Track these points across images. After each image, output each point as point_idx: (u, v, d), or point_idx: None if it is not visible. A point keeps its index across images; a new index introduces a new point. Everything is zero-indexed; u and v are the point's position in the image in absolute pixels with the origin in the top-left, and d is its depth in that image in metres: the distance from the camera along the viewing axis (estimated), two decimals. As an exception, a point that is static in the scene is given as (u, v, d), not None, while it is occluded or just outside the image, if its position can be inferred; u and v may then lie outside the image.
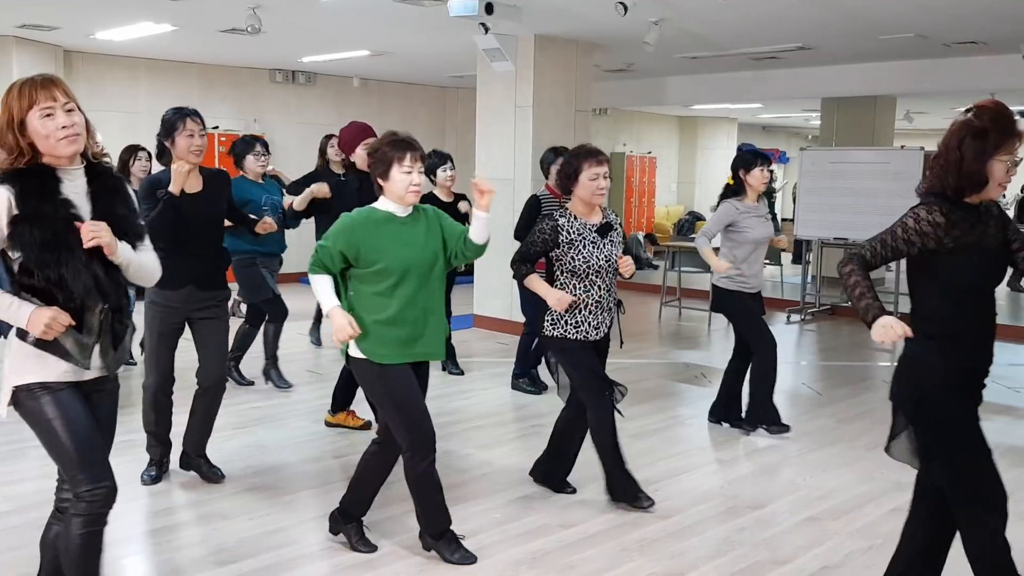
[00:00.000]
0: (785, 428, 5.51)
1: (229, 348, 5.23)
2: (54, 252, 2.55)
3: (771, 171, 5.57)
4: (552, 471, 4.56)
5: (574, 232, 4.11)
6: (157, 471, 4.56)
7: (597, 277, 4.15)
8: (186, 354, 4.50)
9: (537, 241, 4.15)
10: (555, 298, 4.07)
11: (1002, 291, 10.03)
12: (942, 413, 2.78)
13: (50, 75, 2.68)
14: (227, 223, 4.70)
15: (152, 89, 11.42)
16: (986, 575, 2.84)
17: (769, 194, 5.55)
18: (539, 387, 6.61)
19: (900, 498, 4.51)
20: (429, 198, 6.35)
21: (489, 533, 4.01)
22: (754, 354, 5.48)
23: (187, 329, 4.47)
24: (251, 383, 6.59)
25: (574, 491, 4.53)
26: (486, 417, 5.98)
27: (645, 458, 4.87)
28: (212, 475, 4.58)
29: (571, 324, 4.15)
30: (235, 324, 5.83)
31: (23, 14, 8.50)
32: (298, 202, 5.29)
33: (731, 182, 5.51)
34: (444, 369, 7.10)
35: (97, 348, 2.68)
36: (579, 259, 4.09)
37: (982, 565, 2.84)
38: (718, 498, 4.54)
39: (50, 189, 2.59)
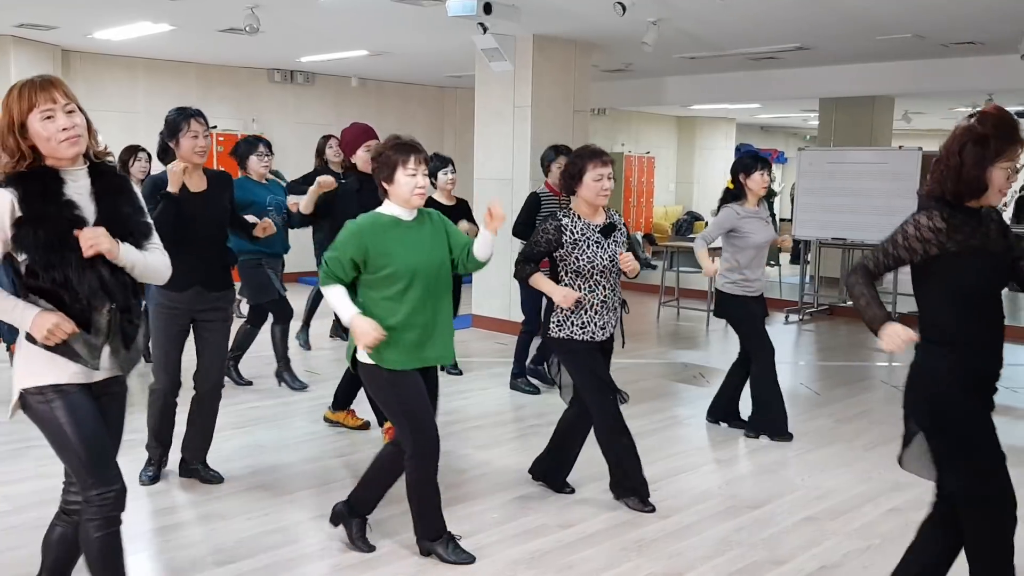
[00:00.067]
0: (788, 437, 5.51)
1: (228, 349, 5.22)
2: (58, 253, 2.54)
3: (771, 174, 5.58)
4: (552, 470, 4.56)
5: (578, 232, 4.12)
6: (156, 471, 4.56)
7: (602, 277, 4.16)
8: (184, 355, 4.49)
9: (541, 241, 4.15)
10: (561, 295, 4.07)
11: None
12: (954, 418, 2.78)
13: (49, 76, 2.67)
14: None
15: (150, 89, 11.41)
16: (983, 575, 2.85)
17: (769, 197, 5.55)
18: (544, 382, 6.56)
19: (898, 498, 4.53)
20: (429, 202, 6.35)
21: (487, 533, 4.02)
22: (753, 361, 5.49)
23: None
24: (249, 383, 6.58)
25: (573, 491, 4.53)
26: (484, 417, 5.99)
27: (644, 458, 4.85)
28: (211, 478, 4.58)
29: (577, 325, 4.16)
30: (236, 324, 5.82)
31: (21, 13, 8.50)
32: (304, 204, 5.18)
33: (731, 186, 5.52)
34: (442, 369, 7.10)
35: (107, 349, 2.67)
36: (583, 259, 4.10)
37: (981, 565, 2.84)
38: (716, 498, 4.54)
39: (53, 191, 2.58)
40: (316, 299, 7.64)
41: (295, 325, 7.05)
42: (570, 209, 4.22)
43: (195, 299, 4.31)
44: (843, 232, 10.02)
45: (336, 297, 3.52)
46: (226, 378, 5.29)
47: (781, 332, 9.44)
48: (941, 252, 2.72)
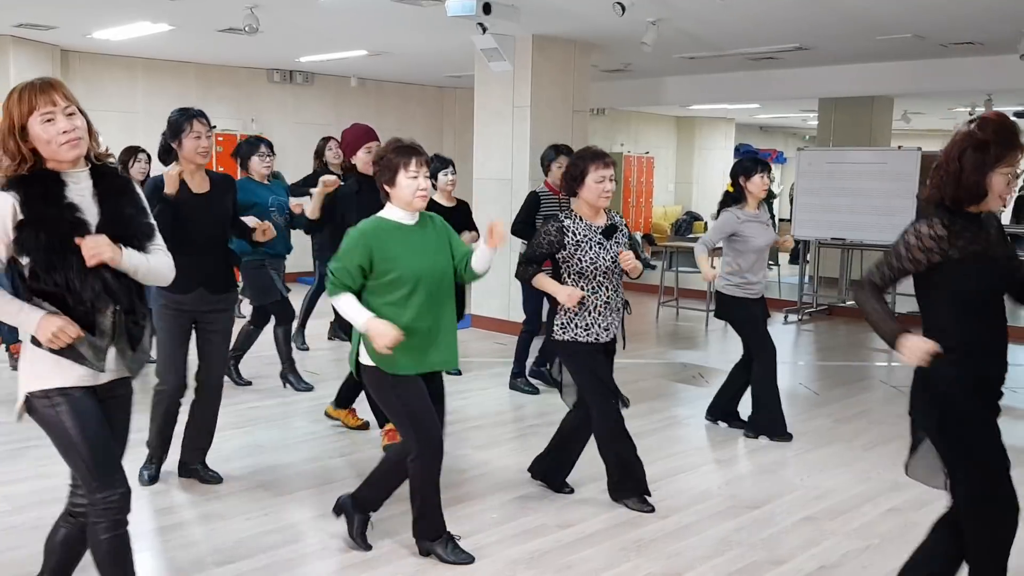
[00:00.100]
0: (788, 437, 5.51)
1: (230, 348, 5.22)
2: (60, 255, 2.54)
3: (771, 176, 5.58)
4: (552, 470, 4.56)
5: (580, 234, 4.12)
6: (156, 470, 4.55)
7: (604, 279, 4.16)
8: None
9: (543, 243, 4.15)
10: (565, 294, 4.07)
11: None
12: (958, 422, 2.77)
13: (49, 79, 2.64)
14: None
15: (149, 89, 11.41)
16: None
17: (768, 199, 5.56)
18: (547, 384, 6.55)
19: (897, 498, 4.54)
20: (430, 204, 6.32)
21: (487, 533, 4.02)
22: (755, 362, 5.50)
23: None
24: (248, 383, 6.58)
25: (572, 491, 4.53)
26: (484, 417, 5.99)
27: (643, 458, 4.85)
28: (209, 479, 4.58)
29: (581, 327, 4.16)
30: (236, 324, 5.81)
31: (20, 13, 8.50)
32: (311, 209, 5.07)
33: (731, 189, 5.52)
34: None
35: (112, 351, 2.67)
36: (586, 260, 4.10)
37: (979, 565, 2.85)
38: (716, 498, 4.55)
39: (54, 193, 2.58)
40: (312, 300, 7.63)
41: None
42: (571, 211, 4.22)
43: (199, 300, 4.30)
44: (842, 232, 10.03)
45: (347, 305, 3.50)
46: (225, 378, 5.28)
47: (780, 332, 9.44)
48: (944, 259, 2.71)
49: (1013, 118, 2.79)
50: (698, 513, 4.32)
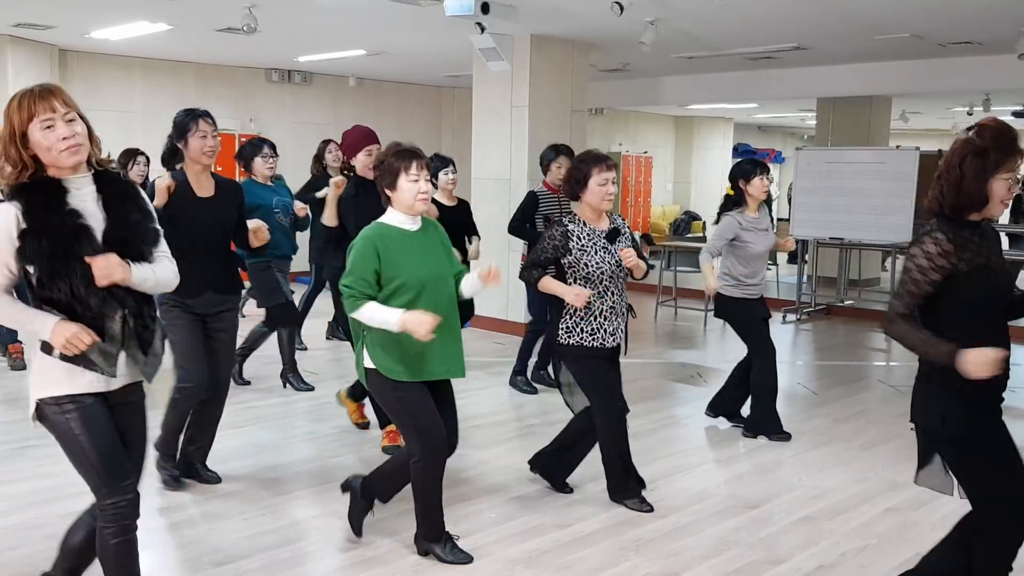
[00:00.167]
0: (786, 436, 5.52)
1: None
2: (64, 262, 2.54)
3: (770, 178, 5.59)
4: (553, 467, 4.55)
5: (585, 238, 4.13)
6: (174, 469, 4.50)
7: (610, 283, 4.17)
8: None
9: (548, 247, 4.15)
10: (573, 293, 4.07)
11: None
12: (964, 430, 2.77)
13: (49, 85, 2.64)
14: None
15: (148, 89, 11.41)
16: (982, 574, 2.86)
17: (767, 201, 5.56)
18: (548, 386, 6.55)
19: (895, 498, 4.54)
20: (431, 202, 6.32)
21: (485, 533, 4.02)
22: (754, 361, 5.51)
23: None
24: (247, 383, 6.58)
25: (571, 491, 4.53)
26: (483, 417, 5.99)
27: (642, 458, 4.86)
28: (209, 479, 4.57)
29: (587, 331, 4.16)
30: (244, 324, 5.78)
31: (18, 13, 8.49)
32: (328, 216, 4.89)
33: (731, 192, 5.52)
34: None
35: (123, 355, 2.67)
36: (592, 265, 4.10)
37: (981, 565, 2.85)
38: (714, 497, 4.55)
39: (56, 201, 2.58)
40: (310, 300, 7.63)
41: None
42: (574, 214, 4.22)
43: (207, 303, 4.30)
44: (841, 232, 10.04)
45: (374, 311, 3.43)
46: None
47: (779, 332, 9.43)
48: (953, 272, 2.72)
49: (1011, 118, 2.79)
50: (697, 513, 4.32)
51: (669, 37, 8.47)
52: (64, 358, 2.60)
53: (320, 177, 7.50)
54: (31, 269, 2.56)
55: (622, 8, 6.95)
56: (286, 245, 6.15)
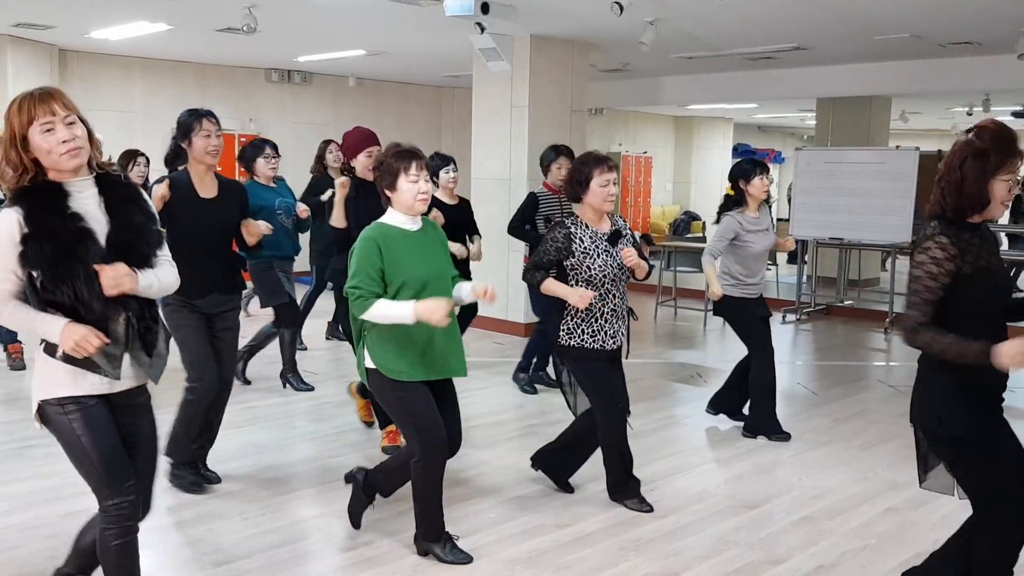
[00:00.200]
0: (786, 436, 5.52)
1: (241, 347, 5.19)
2: (66, 266, 2.54)
3: (770, 178, 5.59)
4: (558, 466, 4.54)
5: (587, 240, 4.13)
6: (195, 471, 4.50)
7: (612, 285, 4.17)
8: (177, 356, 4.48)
9: (550, 250, 4.15)
10: (576, 295, 4.07)
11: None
12: (962, 430, 2.78)
13: (49, 88, 2.64)
14: None
15: (148, 88, 11.41)
16: None
17: (767, 202, 5.58)
18: (548, 387, 6.55)
19: (895, 498, 4.54)
20: (432, 201, 6.31)
21: (485, 533, 4.02)
22: (752, 361, 5.52)
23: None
24: (248, 382, 6.58)
25: (573, 491, 4.53)
26: (483, 417, 5.99)
27: (641, 458, 4.86)
28: (209, 479, 4.56)
29: (588, 333, 4.16)
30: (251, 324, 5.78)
31: (18, 13, 8.49)
32: (336, 218, 4.85)
33: (731, 192, 5.52)
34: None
35: (127, 357, 2.68)
36: (595, 267, 4.11)
37: (982, 567, 2.86)
38: (714, 497, 4.55)
39: (57, 204, 2.58)
40: (311, 300, 7.63)
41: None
42: (576, 217, 4.22)
43: (212, 303, 4.32)
44: (840, 232, 10.04)
45: (385, 307, 3.42)
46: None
47: (778, 332, 9.41)
48: (956, 275, 2.72)
49: (1011, 119, 2.80)
50: (696, 513, 4.32)
51: (669, 37, 8.47)
52: (68, 360, 2.60)
53: (320, 178, 7.50)
54: (34, 273, 2.56)
55: (622, 8, 6.95)
56: (288, 246, 6.14)
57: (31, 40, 9.79)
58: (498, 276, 8.76)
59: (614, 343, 4.22)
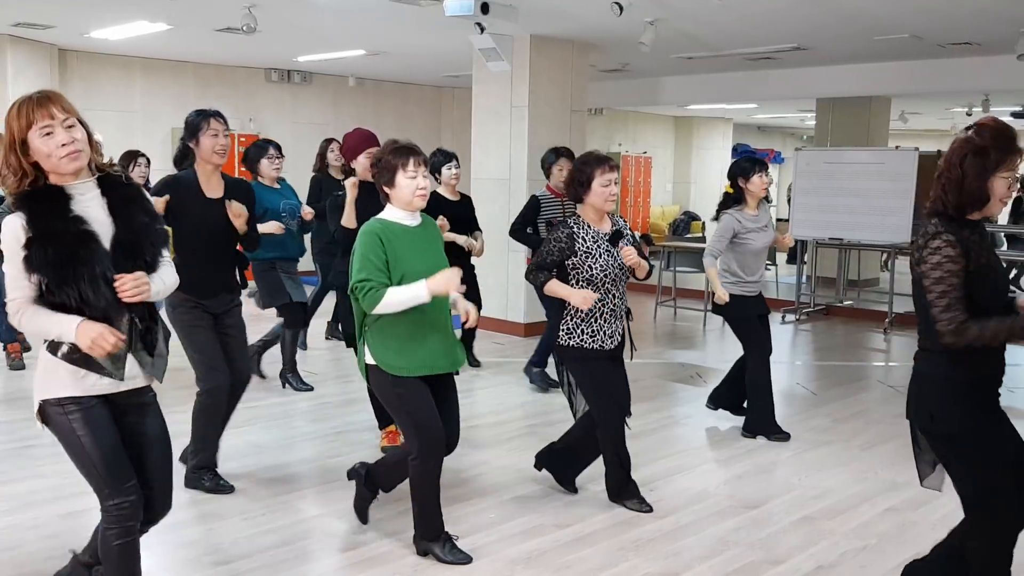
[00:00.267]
0: (786, 436, 5.52)
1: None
2: (70, 269, 2.54)
3: (769, 176, 5.59)
4: (562, 466, 4.52)
5: (589, 240, 4.13)
6: (215, 475, 4.49)
7: (613, 285, 4.17)
8: (179, 358, 4.47)
9: (553, 250, 4.15)
10: (580, 297, 4.07)
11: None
12: (954, 427, 2.79)
13: (47, 92, 2.64)
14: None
15: (147, 88, 11.40)
16: None
17: (766, 200, 5.60)
18: (548, 384, 6.56)
19: (895, 498, 4.54)
20: (434, 197, 6.33)
21: (485, 533, 4.02)
22: (747, 360, 5.52)
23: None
24: (264, 376, 6.57)
25: (576, 491, 4.52)
26: (483, 417, 5.99)
27: (641, 458, 4.87)
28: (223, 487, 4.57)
29: (587, 333, 4.16)
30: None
31: (18, 12, 8.49)
32: (347, 218, 4.76)
33: (730, 190, 5.52)
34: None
35: (131, 358, 2.68)
36: (596, 267, 4.11)
37: (983, 570, 2.86)
38: (714, 498, 4.55)
39: (59, 208, 2.58)
40: (316, 301, 7.63)
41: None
42: (578, 216, 4.23)
43: (219, 303, 4.34)
44: (840, 232, 10.04)
45: (396, 295, 3.42)
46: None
47: (778, 332, 9.43)
48: (965, 273, 2.72)
49: (1011, 119, 2.81)
50: (696, 513, 4.32)
51: (669, 37, 8.47)
52: (71, 360, 2.61)
53: (321, 177, 7.52)
54: (40, 277, 2.56)
55: (622, 8, 6.95)
56: (293, 247, 6.13)
57: (31, 40, 9.79)
58: (498, 276, 8.76)
59: (612, 342, 4.22)
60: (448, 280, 3.41)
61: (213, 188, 4.31)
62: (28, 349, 7.07)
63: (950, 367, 2.78)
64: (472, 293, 6.88)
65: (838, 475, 4.92)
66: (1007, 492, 2.79)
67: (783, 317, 10.21)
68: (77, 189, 2.64)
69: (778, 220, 15.78)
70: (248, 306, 7.33)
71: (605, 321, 4.18)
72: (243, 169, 6.30)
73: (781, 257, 12.68)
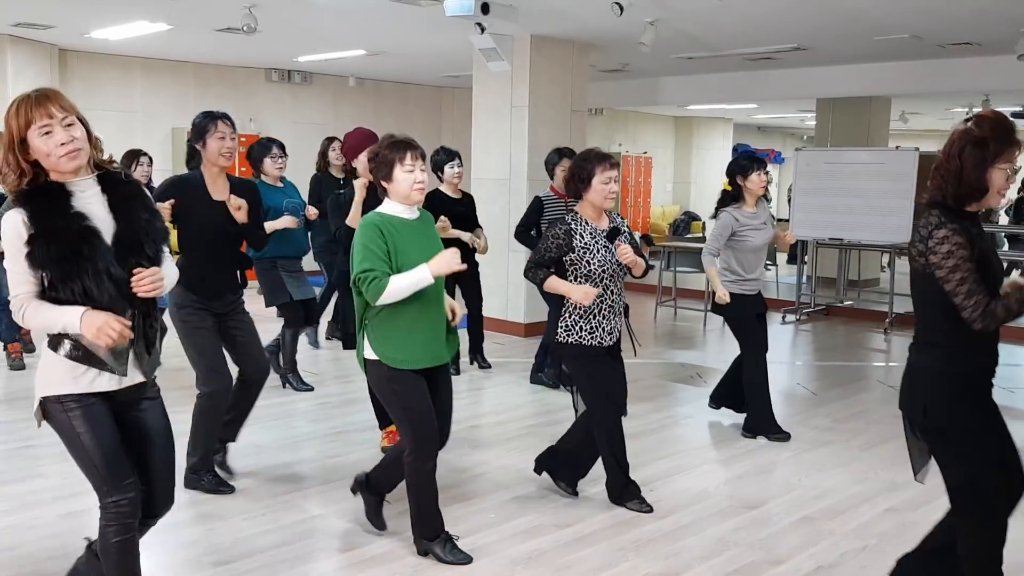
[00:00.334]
0: (786, 436, 5.52)
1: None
2: (73, 264, 2.55)
3: (768, 173, 5.59)
4: (564, 468, 4.50)
5: (587, 236, 4.14)
6: (215, 476, 4.48)
7: (610, 281, 4.17)
8: (179, 359, 4.47)
9: (552, 247, 4.15)
10: (581, 293, 4.07)
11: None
12: (944, 421, 2.80)
13: (46, 90, 2.64)
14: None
15: (148, 88, 11.40)
16: None
17: (765, 198, 5.61)
18: (559, 381, 6.56)
19: (895, 498, 4.54)
20: (437, 195, 6.35)
21: (485, 533, 4.02)
22: (744, 359, 5.53)
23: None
24: (283, 373, 6.58)
25: (576, 494, 4.51)
26: (483, 417, 5.99)
27: (641, 458, 4.87)
28: (226, 469, 4.61)
29: (585, 330, 4.16)
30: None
31: (18, 12, 8.49)
32: (353, 218, 4.81)
33: (728, 188, 5.52)
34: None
35: (132, 354, 2.69)
36: (594, 263, 4.11)
37: (972, 567, 2.86)
38: (714, 498, 4.55)
39: (60, 204, 2.59)
40: (325, 299, 7.63)
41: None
42: (576, 213, 4.23)
43: (224, 303, 4.34)
44: (840, 232, 10.03)
45: (400, 281, 3.43)
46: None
47: (778, 332, 9.45)
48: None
49: (1011, 119, 2.81)
50: (696, 513, 4.32)
51: (669, 38, 8.47)
52: (73, 358, 2.62)
53: (322, 176, 7.54)
54: (43, 273, 2.57)
55: (622, 9, 6.95)
56: (289, 246, 6.13)
57: (31, 40, 9.79)
58: (498, 276, 8.76)
59: (611, 339, 4.22)
60: (449, 260, 3.45)
61: (219, 190, 4.31)
62: (32, 351, 7.06)
63: (946, 362, 2.79)
64: (474, 291, 6.90)
65: (838, 475, 4.92)
66: (994, 486, 2.80)
67: (783, 317, 10.21)
68: (78, 186, 2.64)
69: (778, 220, 15.81)
70: (258, 304, 7.36)
71: (604, 317, 4.18)
72: (242, 169, 6.29)
73: (781, 257, 12.68)
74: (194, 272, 4.13)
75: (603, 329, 4.18)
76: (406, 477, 3.66)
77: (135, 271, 2.60)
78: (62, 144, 2.56)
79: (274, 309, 6.33)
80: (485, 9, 6.81)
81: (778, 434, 5.52)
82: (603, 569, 3.70)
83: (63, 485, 4.31)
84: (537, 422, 5.82)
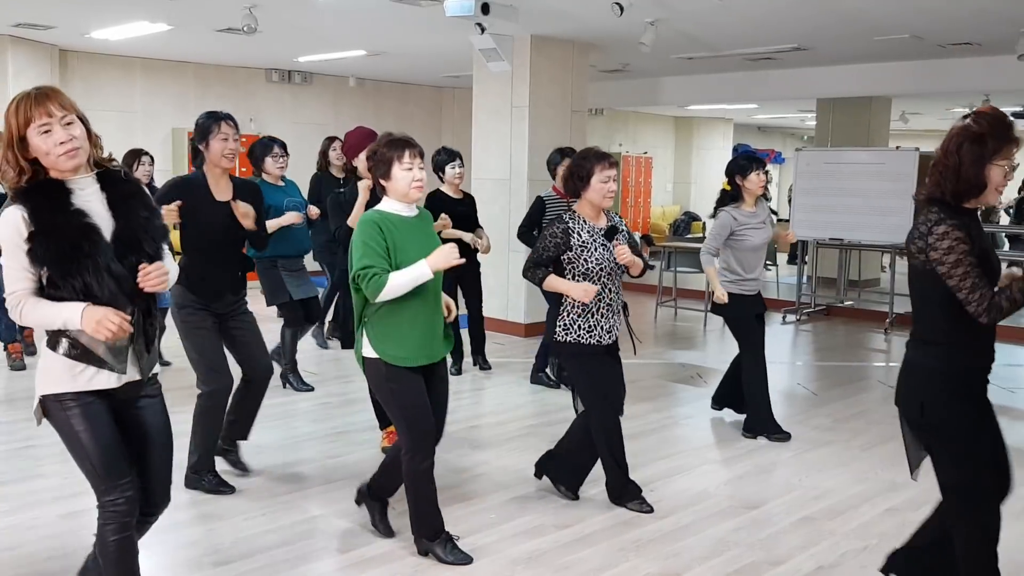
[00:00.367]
0: (786, 436, 5.52)
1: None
2: (74, 262, 2.55)
3: (767, 172, 5.59)
4: (565, 471, 4.50)
5: (585, 234, 4.14)
6: (215, 476, 4.48)
7: (608, 280, 4.17)
8: (178, 358, 4.48)
9: (549, 245, 4.15)
10: (581, 290, 4.06)
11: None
12: (941, 418, 2.80)
13: (46, 89, 2.64)
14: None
15: (148, 88, 11.40)
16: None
17: (764, 196, 5.61)
18: (560, 380, 6.55)
19: (895, 498, 4.54)
20: (438, 195, 6.35)
21: (485, 533, 4.02)
22: (743, 359, 5.53)
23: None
24: (291, 371, 6.58)
25: (577, 497, 4.50)
26: (483, 417, 5.99)
27: (641, 458, 4.87)
28: (238, 465, 4.65)
29: (584, 329, 4.16)
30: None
31: (18, 13, 8.49)
32: (354, 219, 4.77)
33: (727, 188, 5.52)
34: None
35: (131, 352, 2.69)
36: (592, 261, 4.11)
37: (970, 566, 2.86)
38: (714, 498, 4.55)
39: (60, 202, 2.59)
40: (327, 299, 7.63)
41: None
42: (574, 212, 4.23)
43: (225, 304, 4.34)
44: (840, 232, 10.04)
45: (399, 278, 3.42)
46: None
47: (778, 332, 9.45)
48: None
49: (1011, 119, 2.82)
50: (696, 513, 4.32)
51: (669, 38, 8.47)
52: (71, 356, 2.62)
53: (322, 176, 7.54)
54: (43, 270, 2.57)
55: (622, 9, 6.95)
56: (293, 245, 6.12)
57: (31, 40, 9.80)
58: (498, 276, 8.76)
59: (609, 337, 4.22)
60: (447, 255, 3.45)
61: (222, 191, 4.31)
62: (33, 353, 7.05)
63: (944, 359, 2.79)
64: (475, 290, 6.90)
65: (838, 475, 4.92)
66: (988, 485, 2.81)
67: (784, 317, 10.21)
68: (77, 184, 2.64)
69: (778, 220, 15.80)
70: (260, 304, 7.37)
71: (602, 316, 4.18)
72: (243, 169, 6.29)
73: (782, 257, 12.68)
74: (195, 272, 4.13)
75: (601, 328, 4.18)
76: (404, 476, 3.66)
77: (141, 266, 2.60)
78: (61, 143, 2.56)
79: (275, 309, 6.33)
80: (485, 9, 6.80)
81: (778, 434, 5.52)
82: (603, 569, 3.70)
83: (63, 485, 4.32)
84: (537, 422, 5.82)
